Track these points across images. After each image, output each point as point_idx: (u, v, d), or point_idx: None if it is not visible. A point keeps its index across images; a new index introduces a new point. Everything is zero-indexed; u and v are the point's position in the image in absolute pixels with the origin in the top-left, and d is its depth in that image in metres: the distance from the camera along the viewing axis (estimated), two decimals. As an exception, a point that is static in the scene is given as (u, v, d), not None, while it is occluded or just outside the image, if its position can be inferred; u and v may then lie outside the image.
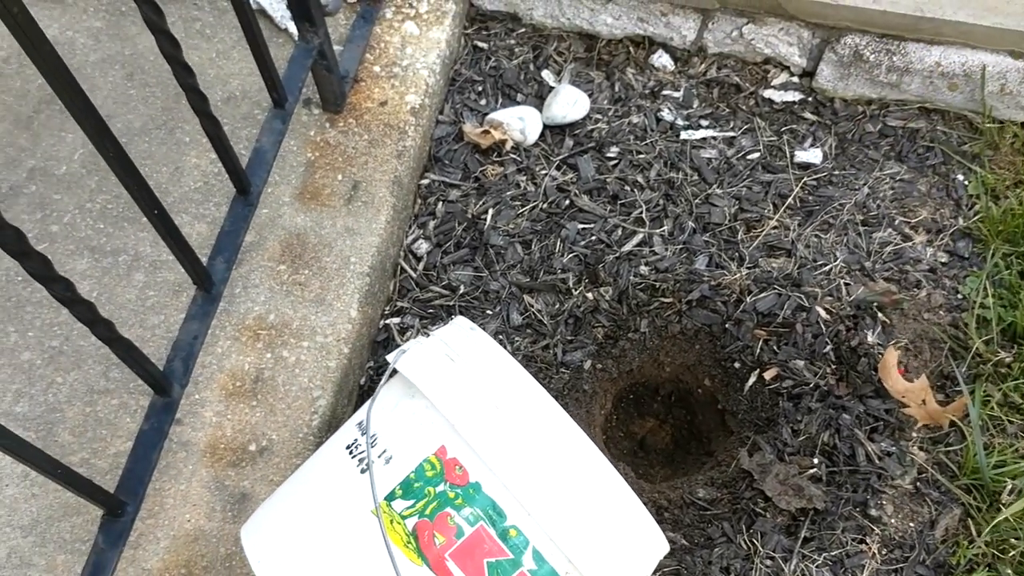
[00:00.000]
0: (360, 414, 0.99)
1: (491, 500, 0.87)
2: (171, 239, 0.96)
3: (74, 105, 0.78)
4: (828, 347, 1.33)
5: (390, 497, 0.88)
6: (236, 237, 1.14)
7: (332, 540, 0.89)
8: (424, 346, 0.97)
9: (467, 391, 0.90)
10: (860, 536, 1.22)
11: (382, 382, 0.97)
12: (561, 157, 1.53)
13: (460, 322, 1.02)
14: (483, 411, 0.88)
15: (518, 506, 0.86)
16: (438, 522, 0.87)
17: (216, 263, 1.12)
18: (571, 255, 1.43)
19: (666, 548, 0.98)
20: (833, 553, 1.21)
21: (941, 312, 1.38)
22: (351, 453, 0.94)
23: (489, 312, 1.38)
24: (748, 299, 1.37)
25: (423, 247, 1.45)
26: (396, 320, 1.39)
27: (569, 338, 1.37)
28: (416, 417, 0.92)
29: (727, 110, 1.60)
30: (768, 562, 1.20)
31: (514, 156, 1.53)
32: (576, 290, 1.40)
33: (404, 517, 0.87)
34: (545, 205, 1.48)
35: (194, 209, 1.36)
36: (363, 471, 0.91)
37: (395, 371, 0.98)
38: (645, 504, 0.93)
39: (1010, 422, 1.29)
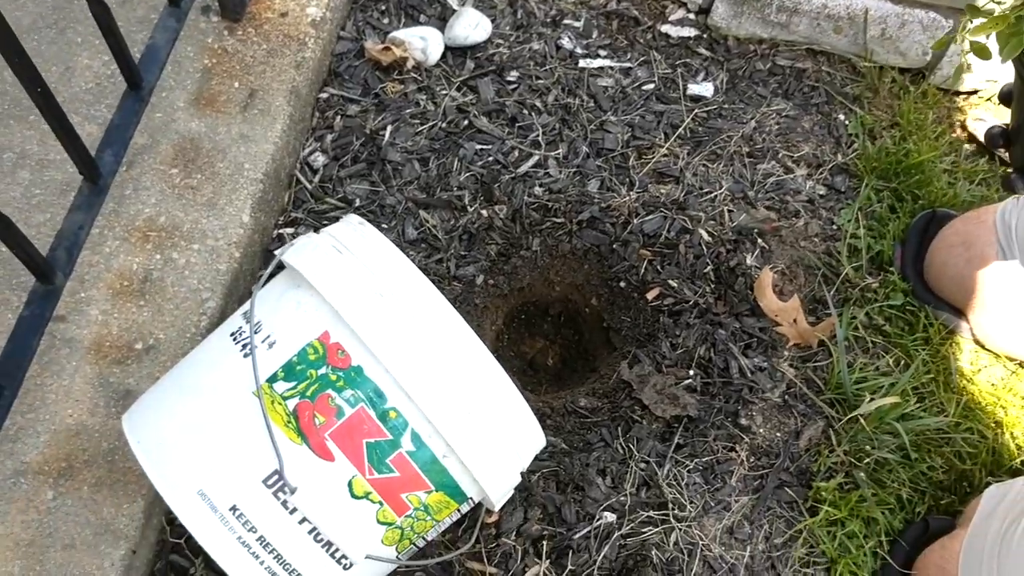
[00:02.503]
0: (246, 305, 1.00)
1: (372, 383, 0.89)
2: (53, 119, 0.95)
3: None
4: (708, 267, 1.40)
5: (272, 379, 0.90)
6: (126, 131, 1.13)
7: (213, 420, 0.91)
8: (312, 239, 0.99)
9: (351, 279, 0.92)
10: (730, 444, 1.29)
11: (267, 272, 0.99)
12: (462, 79, 1.54)
13: (350, 218, 1.03)
14: (366, 298, 0.91)
15: (398, 389, 0.89)
16: (319, 403, 0.89)
17: (104, 155, 1.10)
18: (468, 174, 1.45)
19: (543, 442, 1.03)
20: (704, 459, 1.28)
21: (816, 240, 1.46)
22: (235, 340, 0.95)
23: (385, 226, 1.40)
24: (635, 221, 1.42)
25: (320, 160, 1.45)
26: (290, 230, 1.39)
27: (463, 253, 1.40)
28: (301, 305, 0.94)
29: (625, 42, 1.64)
30: (643, 465, 1.26)
31: (415, 75, 1.54)
32: (471, 207, 1.42)
33: (285, 398, 0.89)
34: (444, 124, 1.49)
35: (85, 110, 1.34)
36: (246, 356, 0.92)
37: (282, 265, 0.99)
38: (528, 409, 0.97)
39: (873, 343, 1.38)
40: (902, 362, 1.37)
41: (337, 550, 0.90)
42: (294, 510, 0.88)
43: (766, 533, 1.25)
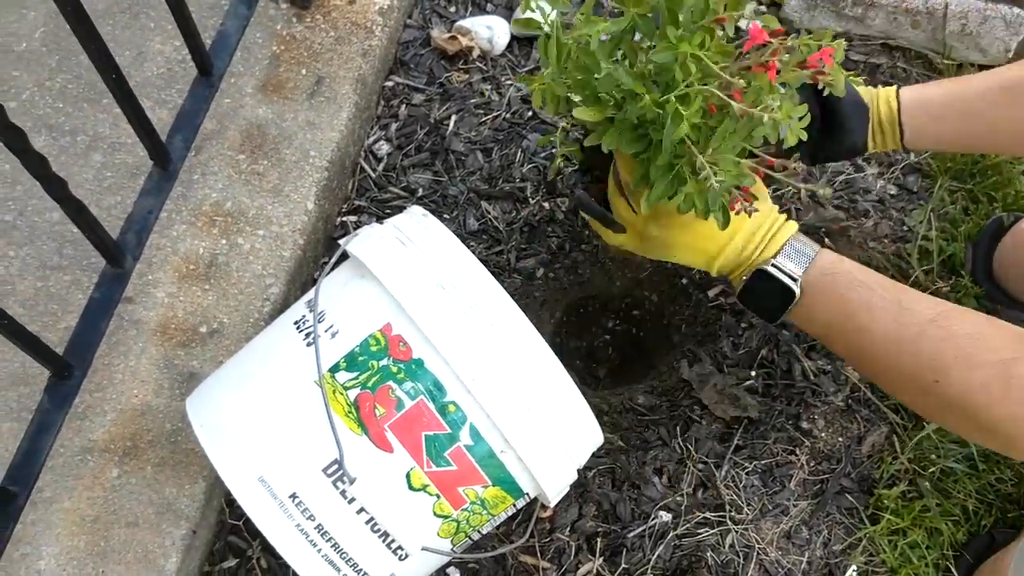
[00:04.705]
0: (310, 294, 1.00)
1: (432, 376, 0.89)
2: (126, 104, 0.96)
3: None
4: (774, 267, 1.37)
5: (334, 369, 0.91)
6: (196, 117, 1.14)
7: (275, 407, 0.91)
8: (376, 230, 0.99)
9: (414, 271, 0.92)
10: (790, 447, 1.27)
11: (331, 262, 0.99)
12: (527, 69, 1.53)
13: (414, 210, 1.04)
14: (429, 290, 0.90)
15: (458, 383, 0.89)
16: (380, 394, 0.89)
17: (174, 141, 1.12)
18: (531, 165, 1.44)
19: (600, 439, 1.02)
20: (763, 462, 1.26)
21: (886, 241, 1.42)
22: (298, 328, 0.96)
23: (446, 216, 1.40)
24: (700, 217, 1.40)
25: (384, 148, 1.45)
26: (353, 218, 1.40)
27: (523, 246, 1.39)
28: (364, 296, 0.94)
29: (694, 34, 1.61)
30: (700, 466, 1.24)
31: (480, 65, 1.53)
32: (533, 199, 1.42)
33: (347, 388, 0.90)
34: (508, 115, 1.49)
35: (156, 94, 1.36)
36: (309, 344, 0.93)
37: (346, 255, 0.99)
38: (585, 406, 0.96)
39: (942, 348, 1.34)
40: (972, 369, 1.33)
41: (394, 541, 0.91)
42: (352, 500, 0.88)
43: (824, 539, 1.23)
